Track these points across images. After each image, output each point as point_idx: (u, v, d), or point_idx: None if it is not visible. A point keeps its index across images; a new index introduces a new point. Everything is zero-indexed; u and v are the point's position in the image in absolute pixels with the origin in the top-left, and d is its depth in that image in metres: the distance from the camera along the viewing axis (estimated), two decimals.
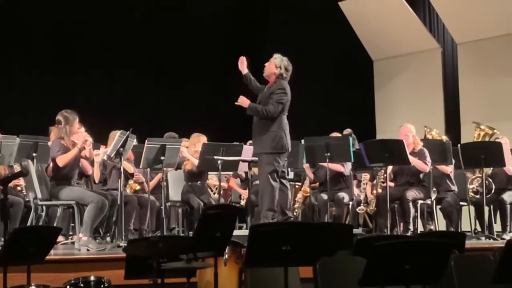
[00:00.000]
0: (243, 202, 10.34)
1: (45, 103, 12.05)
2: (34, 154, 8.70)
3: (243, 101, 8.49)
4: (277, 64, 8.51)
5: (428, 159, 9.75)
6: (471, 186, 10.21)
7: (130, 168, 9.47)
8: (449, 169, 10.09)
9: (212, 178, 10.22)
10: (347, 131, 10.90)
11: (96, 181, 8.97)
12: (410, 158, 9.51)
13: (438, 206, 10.18)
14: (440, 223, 10.38)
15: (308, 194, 10.39)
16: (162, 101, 14.03)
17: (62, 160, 8.12)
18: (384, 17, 14.07)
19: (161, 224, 9.59)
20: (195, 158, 9.63)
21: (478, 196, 10.15)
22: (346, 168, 10.22)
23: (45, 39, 13.16)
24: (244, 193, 10.40)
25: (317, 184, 10.46)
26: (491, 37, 13.01)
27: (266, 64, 8.61)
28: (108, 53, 13.44)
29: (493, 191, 10.04)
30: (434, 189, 9.97)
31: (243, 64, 8.68)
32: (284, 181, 8.50)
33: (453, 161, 10.09)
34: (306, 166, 10.22)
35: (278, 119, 8.38)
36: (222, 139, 9.92)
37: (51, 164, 8.23)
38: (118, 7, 13.44)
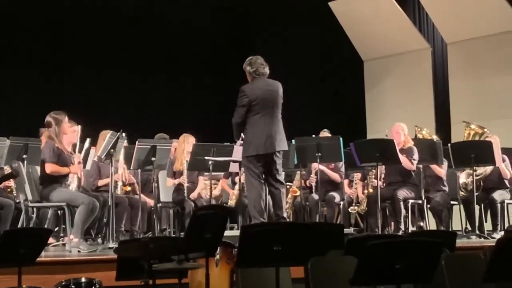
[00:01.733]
0: (231, 202, 10.33)
1: (35, 104, 12.01)
2: (24, 156, 8.67)
3: None
4: (244, 69, 8.43)
5: (415, 157, 9.77)
6: (461, 181, 10.26)
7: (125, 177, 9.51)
8: (442, 171, 10.12)
9: (206, 183, 10.14)
10: (324, 131, 10.92)
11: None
12: (402, 157, 9.57)
13: (428, 206, 10.21)
14: (431, 222, 10.41)
15: (297, 194, 10.40)
16: (153, 102, 14.00)
17: (52, 169, 8.13)
18: (374, 17, 14.09)
19: (152, 225, 9.59)
20: (183, 159, 9.68)
21: (466, 194, 10.21)
22: (342, 175, 10.32)
23: (33, 39, 13.11)
24: (232, 193, 10.40)
25: (308, 184, 10.46)
26: (481, 36, 13.06)
27: None
28: (98, 54, 13.41)
29: (481, 188, 10.08)
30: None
31: None
32: (275, 182, 8.43)
33: (445, 161, 10.13)
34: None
35: (249, 123, 8.27)
36: (213, 140, 9.91)
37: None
38: (108, 6, 13.41)
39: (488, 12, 12.68)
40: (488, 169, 10.13)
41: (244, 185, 9.94)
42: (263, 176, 8.31)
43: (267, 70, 8.40)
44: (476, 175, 10.00)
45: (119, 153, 9.06)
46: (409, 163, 9.74)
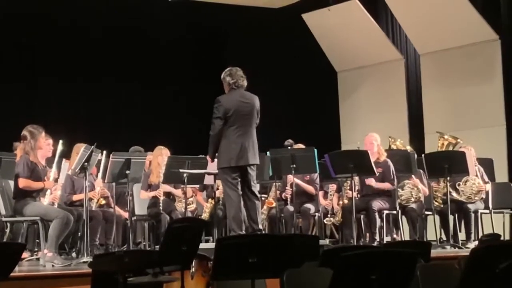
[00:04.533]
0: (205, 215, 10.30)
1: (8, 118, 11.95)
2: None
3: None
4: (223, 79, 8.44)
5: (392, 171, 9.81)
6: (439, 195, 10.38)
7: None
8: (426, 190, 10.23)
9: (180, 201, 10.10)
10: (289, 141, 10.96)
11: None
12: (376, 184, 9.73)
13: (403, 216, 10.25)
14: (406, 233, 10.44)
15: (273, 206, 10.40)
16: (128, 115, 13.96)
17: (25, 184, 8.07)
18: (347, 28, 14.15)
19: (127, 238, 9.55)
20: (158, 171, 9.66)
21: (441, 204, 10.30)
22: (317, 187, 10.35)
23: (5, 52, 13.00)
24: (206, 206, 10.38)
25: (284, 196, 10.47)
26: (453, 47, 13.14)
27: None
28: (71, 67, 13.34)
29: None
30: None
31: None
32: (250, 194, 8.39)
33: (421, 172, 10.20)
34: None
35: (224, 134, 8.28)
36: (188, 153, 9.90)
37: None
38: (81, 19, 13.36)
39: (460, 23, 12.77)
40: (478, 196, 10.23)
41: (219, 198, 9.96)
42: (240, 187, 8.32)
43: (245, 83, 8.43)
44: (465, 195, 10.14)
45: (93, 167, 9.01)
46: (389, 186, 9.81)
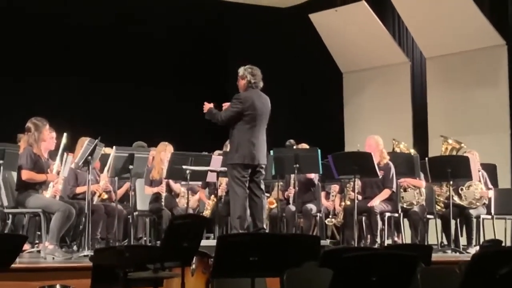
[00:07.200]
0: (207, 212, 10.30)
1: (11, 110, 11.96)
2: (0, 162, 8.63)
3: (206, 106, 8.60)
4: (242, 75, 8.53)
5: (392, 175, 9.77)
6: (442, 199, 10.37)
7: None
8: (423, 183, 10.18)
9: (183, 190, 10.10)
10: (290, 142, 10.99)
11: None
12: (379, 202, 9.71)
13: (405, 219, 10.25)
14: (407, 236, 10.44)
15: (273, 206, 10.40)
16: (132, 110, 13.95)
17: (28, 176, 8.09)
18: (354, 30, 14.15)
19: (128, 233, 9.55)
20: (161, 167, 9.67)
21: (443, 208, 10.30)
22: (317, 177, 10.33)
23: (6, 45, 12.99)
24: (208, 203, 10.37)
25: (286, 196, 10.47)
26: (460, 51, 13.13)
27: (238, 84, 8.64)
28: (75, 62, 13.34)
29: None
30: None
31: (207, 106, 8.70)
32: (258, 191, 8.48)
33: (422, 174, 10.19)
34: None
35: (238, 129, 8.39)
36: (191, 149, 9.90)
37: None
38: (80, 13, 13.36)
39: (467, 28, 12.76)
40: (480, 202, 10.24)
41: (222, 196, 9.96)
42: (247, 185, 8.38)
43: (262, 84, 8.57)
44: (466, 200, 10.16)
45: (96, 160, 9.01)
46: (389, 192, 9.78)
